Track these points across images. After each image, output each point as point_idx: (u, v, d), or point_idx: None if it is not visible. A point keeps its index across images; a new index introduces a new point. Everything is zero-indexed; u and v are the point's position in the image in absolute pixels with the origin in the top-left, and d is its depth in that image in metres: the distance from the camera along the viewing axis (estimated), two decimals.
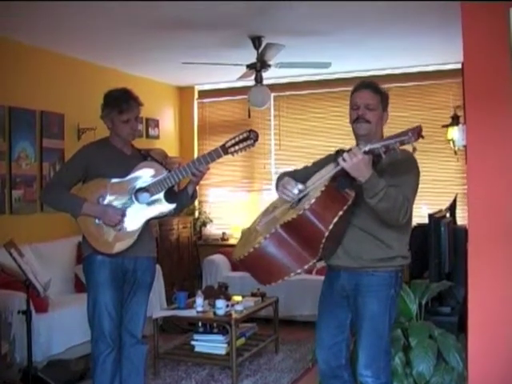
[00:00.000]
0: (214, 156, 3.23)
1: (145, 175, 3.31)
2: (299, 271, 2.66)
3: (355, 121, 2.81)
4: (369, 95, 2.80)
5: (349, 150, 2.78)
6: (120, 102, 3.34)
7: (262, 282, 2.78)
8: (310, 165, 3.05)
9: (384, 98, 2.83)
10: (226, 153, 3.23)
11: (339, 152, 2.85)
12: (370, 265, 2.77)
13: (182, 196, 3.43)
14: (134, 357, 3.47)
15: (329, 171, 2.62)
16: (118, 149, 3.44)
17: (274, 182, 8.01)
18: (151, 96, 7.41)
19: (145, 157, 3.44)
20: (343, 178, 2.58)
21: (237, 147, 3.22)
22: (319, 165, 2.92)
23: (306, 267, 2.62)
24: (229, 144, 3.22)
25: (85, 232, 3.33)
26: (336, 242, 2.74)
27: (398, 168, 2.71)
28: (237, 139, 3.22)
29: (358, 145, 2.79)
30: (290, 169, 3.15)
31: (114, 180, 3.31)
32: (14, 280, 4.13)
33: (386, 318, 2.80)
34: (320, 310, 2.99)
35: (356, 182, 2.56)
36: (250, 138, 3.23)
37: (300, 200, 2.66)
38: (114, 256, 3.30)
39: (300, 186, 2.72)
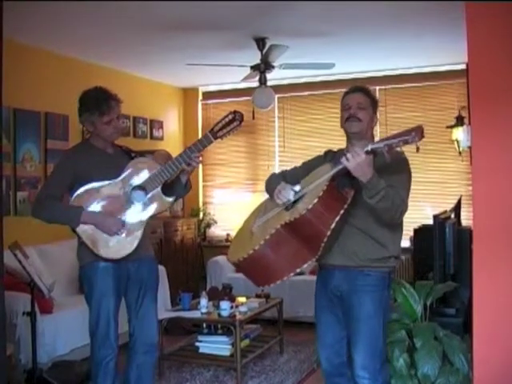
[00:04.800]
0: (204, 142, 3.19)
1: (137, 173, 3.24)
2: (298, 271, 2.67)
3: (347, 120, 2.85)
4: (360, 96, 2.87)
5: (339, 151, 2.81)
6: (99, 104, 3.23)
7: (259, 284, 2.79)
8: (298, 166, 3.08)
9: (374, 102, 2.91)
10: (216, 137, 3.18)
11: (328, 153, 2.93)
12: (365, 264, 2.79)
13: (177, 186, 3.37)
14: (146, 363, 3.43)
15: (327, 171, 2.62)
16: (101, 150, 3.35)
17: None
18: (155, 97, 7.43)
19: (127, 153, 3.39)
20: (343, 177, 2.59)
21: (224, 130, 3.18)
22: (309, 165, 2.95)
23: (305, 266, 2.65)
24: (216, 128, 3.18)
25: (87, 240, 3.21)
26: (333, 240, 2.74)
27: (391, 168, 2.72)
28: (223, 122, 3.18)
29: (348, 145, 2.86)
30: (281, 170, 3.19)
31: (105, 183, 3.22)
32: (19, 281, 4.13)
33: (380, 318, 2.82)
34: (317, 310, 2.99)
35: (354, 180, 2.57)
36: (235, 119, 3.18)
37: (296, 201, 2.66)
38: (120, 261, 3.25)
39: (296, 188, 2.73)
